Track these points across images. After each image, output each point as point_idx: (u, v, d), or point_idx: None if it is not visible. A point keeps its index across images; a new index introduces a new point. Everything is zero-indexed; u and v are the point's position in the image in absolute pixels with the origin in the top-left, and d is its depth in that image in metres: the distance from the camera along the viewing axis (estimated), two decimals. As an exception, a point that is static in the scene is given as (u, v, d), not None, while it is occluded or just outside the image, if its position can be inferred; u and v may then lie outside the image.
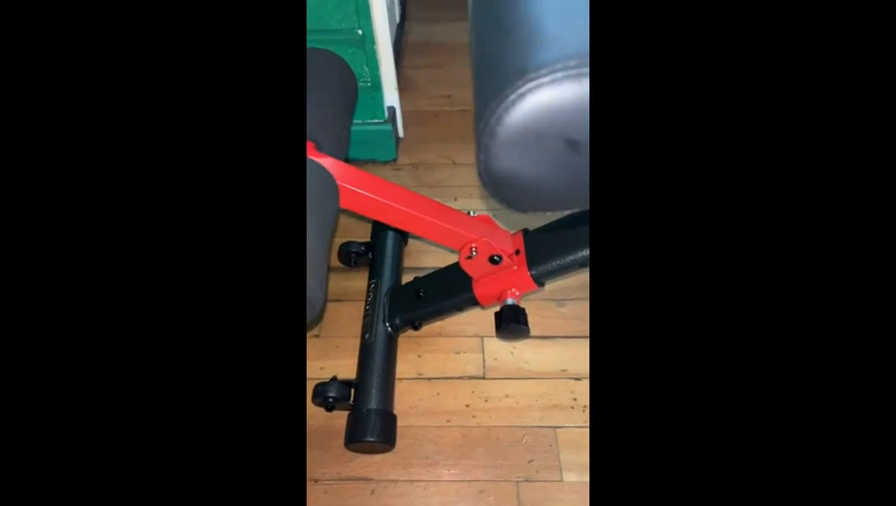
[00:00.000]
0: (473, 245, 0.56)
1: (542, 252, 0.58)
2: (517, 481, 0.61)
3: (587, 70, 0.20)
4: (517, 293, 0.59)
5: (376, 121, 0.88)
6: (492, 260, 0.57)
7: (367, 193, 0.51)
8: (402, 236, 0.79)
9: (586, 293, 0.76)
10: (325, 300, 0.41)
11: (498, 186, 0.24)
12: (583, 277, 0.77)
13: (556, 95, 0.20)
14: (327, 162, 0.50)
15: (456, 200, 0.88)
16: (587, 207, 0.25)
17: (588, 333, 0.72)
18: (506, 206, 0.26)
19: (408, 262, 0.80)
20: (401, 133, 0.96)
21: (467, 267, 0.59)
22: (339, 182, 0.50)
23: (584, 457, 0.62)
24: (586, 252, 0.55)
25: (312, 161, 0.49)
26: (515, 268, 0.58)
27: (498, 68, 0.22)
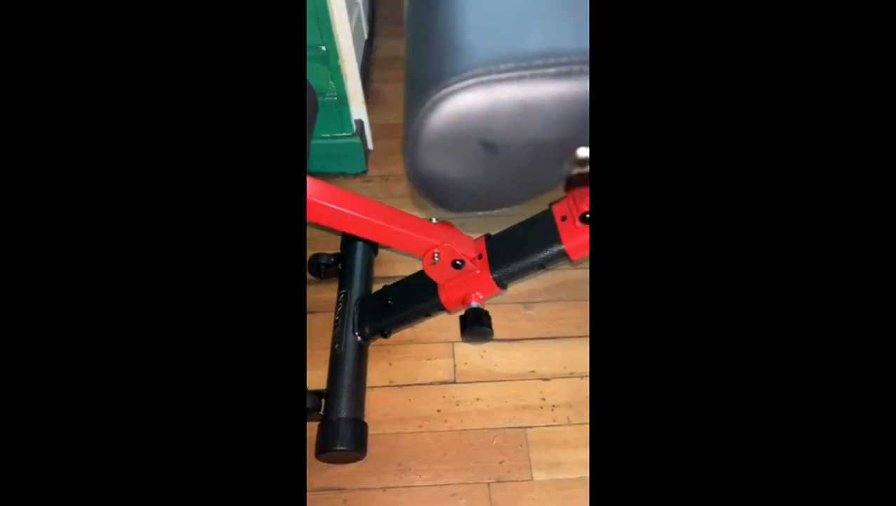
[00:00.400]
0: (435, 251, 0.58)
1: (503, 255, 0.59)
2: (489, 483, 0.61)
3: (496, 77, 0.22)
4: (481, 296, 0.61)
5: (344, 134, 0.90)
6: (454, 265, 0.59)
7: (330, 205, 0.53)
8: (372, 247, 0.80)
9: (552, 296, 0.78)
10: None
11: (426, 188, 0.25)
12: (549, 281, 0.79)
13: (468, 101, 0.22)
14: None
15: (426, 209, 0.90)
16: (515, 204, 0.26)
17: (554, 334, 0.74)
18: (438, 206, 0.27)
19: (379, 271, 0.81)
20: (370, 146, 0.98)
21: (431, 273, 0.61)
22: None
23: (553, 455, 0.63)
24: (544, 253, 0.56)
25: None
26: (478, 272, 0.60)
27: (420, 77, 0.23)
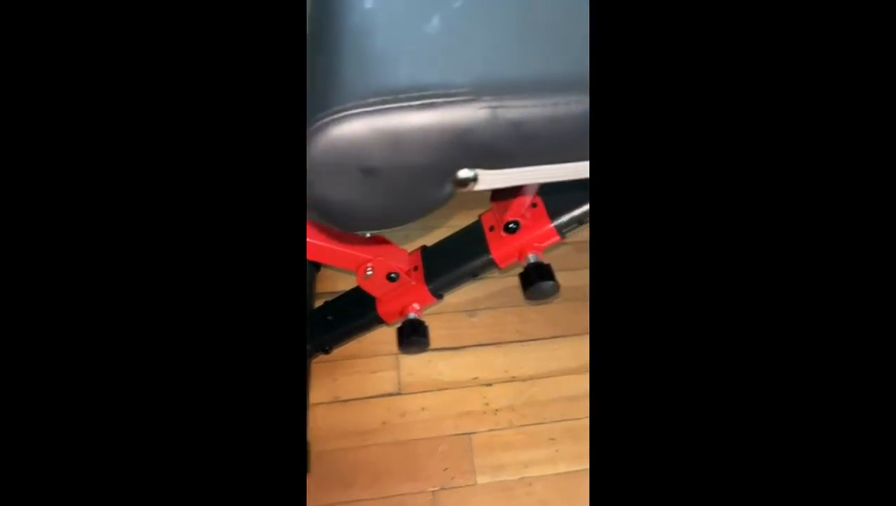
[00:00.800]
0: (369, 265, 0.59)
1: (437, 266, 0.61)
2: (433, 491, 0.62)
3: (368, 109, 0.23)
4: (418, 308, 0.62)
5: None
6: (389, 278, 0.60)
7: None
8: (314, 264, 0.80)
9: (494, 302, 0.80)
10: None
11: (319, 211, 0.26)
12: (491, 288, 0.81)
13: (344, 131, 0.23)
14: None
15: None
16: (409, 222, 0.28)
17: (496, 340, 0.76)
18: (336, 227, 0.28)
19: (323, 287, 0.81)
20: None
21: (366, 287, 0.61)
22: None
23: (496, 459, 0.65)
24: (475, 263, 0.58)
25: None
26: (414, 284, 0.61)
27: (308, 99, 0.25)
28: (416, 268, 0.62)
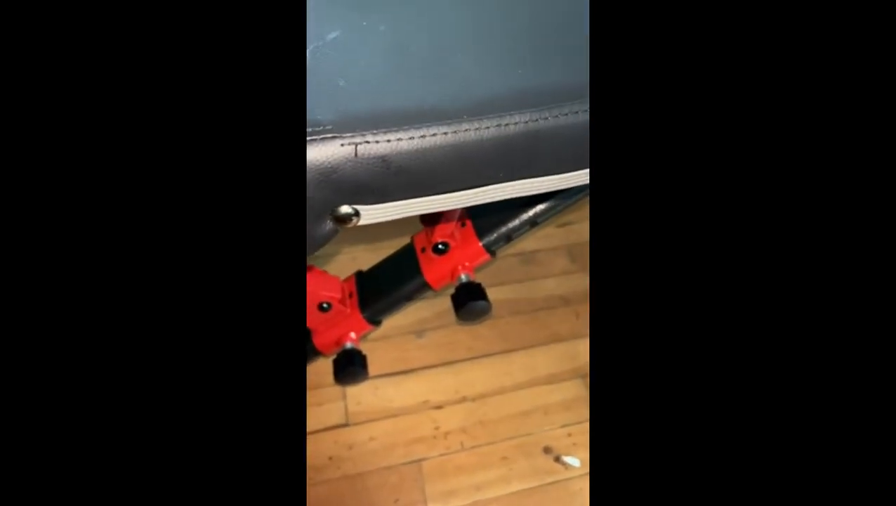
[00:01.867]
0: (297, 298, 0.57)
1: (371, 292, 0.59)
2: (385, 526, 0.60)
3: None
4: (354, 336, 0.60)
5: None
6: (321, 308, 0.58)
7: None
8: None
9: (444, 321, 0.79)
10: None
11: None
12: (439, 306, 0.80)
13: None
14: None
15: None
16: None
17: (445, 360, 0.74)
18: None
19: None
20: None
21: (300, 319, 0.59)
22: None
23: (447, 484, 0.63)
24: (409, 287, 0.57)
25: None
26: (349, 312, 0.59)
27: None
28: (350, 295, 0.60)
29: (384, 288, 0.59)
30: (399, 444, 0.66)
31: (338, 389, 0.71)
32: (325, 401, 0.70)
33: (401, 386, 0.72)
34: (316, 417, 0.69)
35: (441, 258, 0.55)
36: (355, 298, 0.60)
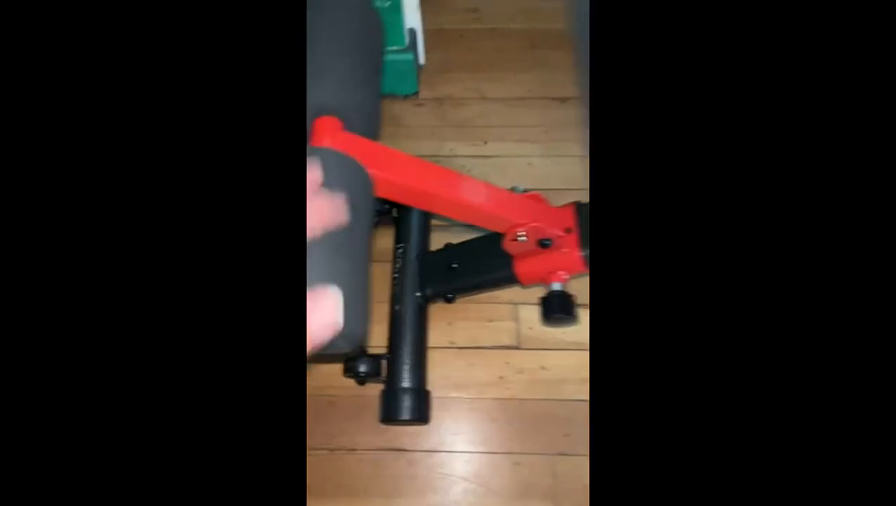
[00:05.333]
0: (522, 231, 0.50)
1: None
2: (552, 455, 0.61)
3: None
4: (565, 277, 0.54)
5: (395, 48, 0.76)
6: (541, 244, 0.51)
7: (402, 181, 0.44)
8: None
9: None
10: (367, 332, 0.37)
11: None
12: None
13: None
14: (358, 146, 0.42)
15: (486, 143, 0.79)
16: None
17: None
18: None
19: (437, 219, 0.73)
20: (422, 60, 0.83)
21: (511, 248, 0.53)
22: (370, 170, 0.42)
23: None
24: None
25: (338, 156, 0.40)
26: (567, 250, 0.52)
27: None
28: (568, 230, 0.53)
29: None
30: (571, 380, 0.64)
31: (510, 308, 0.68)
32: (496, 318, 0.68)
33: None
34: (488, 332, 0.67)
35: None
36: (575, 234, 0.52)
